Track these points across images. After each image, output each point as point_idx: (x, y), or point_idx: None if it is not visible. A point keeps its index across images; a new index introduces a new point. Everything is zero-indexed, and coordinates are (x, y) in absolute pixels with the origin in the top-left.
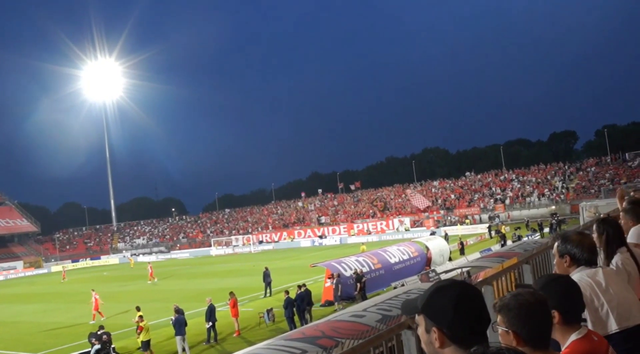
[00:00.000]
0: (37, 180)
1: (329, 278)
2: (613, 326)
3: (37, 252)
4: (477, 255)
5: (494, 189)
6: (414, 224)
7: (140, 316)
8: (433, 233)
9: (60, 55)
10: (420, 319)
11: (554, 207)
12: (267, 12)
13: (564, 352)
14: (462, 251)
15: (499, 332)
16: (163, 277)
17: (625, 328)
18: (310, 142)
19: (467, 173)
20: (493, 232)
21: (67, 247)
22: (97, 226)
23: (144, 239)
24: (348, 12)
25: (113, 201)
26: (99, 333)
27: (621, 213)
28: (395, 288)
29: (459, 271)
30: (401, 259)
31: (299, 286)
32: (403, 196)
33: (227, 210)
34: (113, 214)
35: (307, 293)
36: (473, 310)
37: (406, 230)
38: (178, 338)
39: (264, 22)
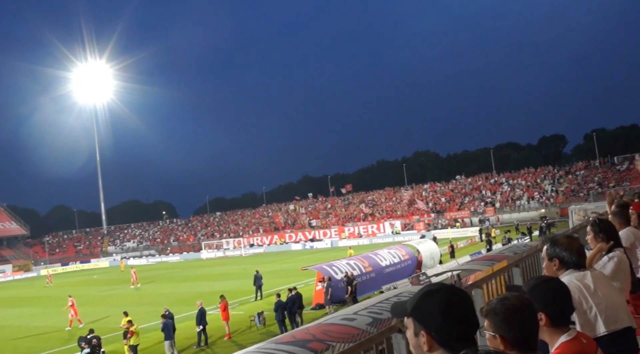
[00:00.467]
0: (27, 183)
1: (320, 281)
2: (601, 329)
3: (26, 256)
4: (467, 258)
5: (484, 192)
6: (405, 227)
7: (130, 321)
8: (423, 237)
9: (51, 58)
10: (409, 322)
11: (543, 210)
12: (258, 14)
13: (553, 353)
14: (452, 254)
15: (487, 336)
16: (153, 280)
17: (614, 330)
18: (301, 145)
19: (458, 176)
20: (484, 235)
21: (57, 250)
22: (87, 229)
23: (134, 242)
24: (341, 16)
25: (103, 204)
26: (88, 336)
27: (610, 216)
28: (381, 292)
29: (449, 274)
30: (392, 262)
31: (290, 289)
32: (394, 199)
33: (218, 213)
34: (103, 217)
35: (298, 296)
36: (461, 314)
37: (397, 233)
38: (166, 342)
39: (255, 24)
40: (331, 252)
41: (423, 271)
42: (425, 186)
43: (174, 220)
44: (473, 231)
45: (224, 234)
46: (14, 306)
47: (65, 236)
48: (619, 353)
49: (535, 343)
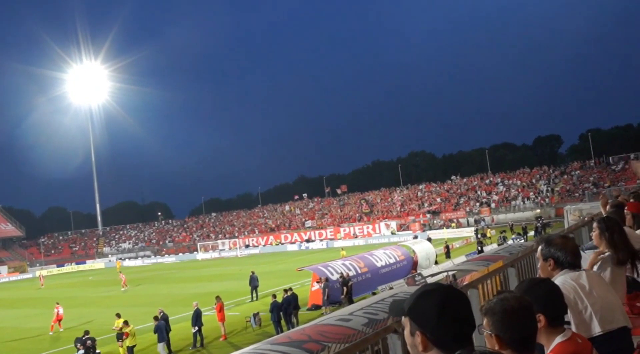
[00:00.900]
0: (22, 184)
1: (317, 282)
2: (596, 329)
3: (21, 257)
4: (462, 258)
5: (479, 192)
6: (400, 227)
7: (126, 322)
8: (415, 237)
9: (46, 59)
10: (405, 321)
11: (538, 210)
12: (253, 15)
13: None
14: (447, 255)
15: (484, 334)
16: (149, 282)
17: (609, 330)
18: (296, 146)
19: (453, 177)
20: (479, 235)
21: (52, 251)
22: (83, 231)
23: (129, 243)
24: (335, 15)
25: (99, 205)
26: (84, 338)
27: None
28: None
29: (445, 274)
30: (387, 263)
31: (286, 290)
32: (389, 199)
33: (213, 214)
34: (99, 218)
35: (294, 297)
36: (457, 316)
37: (392, 234)
38: (160, 344)
39: (250, 25)
40: (327, 253)
41: (419, 271)
42: (421, 187)
43: (170, 221)
44: (468, 232)
45: (220, 235)
46: (9, 308)
47: (61, 237)
48: (615, 353)
49: (533, 344)
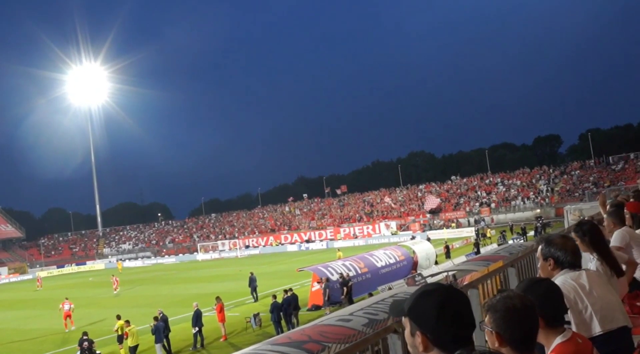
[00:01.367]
0: (22, 185)
1: (317, 282)
2: (597, 329)
3: (21, 258)
4: (462, 258)
5: (479, 192)
6: (401, 228)
7: (127, 321)
8: (413, 238)
9: (46, 60)
10: (406, 321)
11: (538, 210)
12: (251, 15)
13: None
14: (447, 255)
15: (485, 331)
16: (149, 282)
17: (609, 330)
18: (296, 146)
19: (453, 177)
20: (480, 236)
21: (52, 252)
22: (83, 232)
23: (129, 244)
24: (333, 15)
25: (98, 206)
26: (83, 338)
27: (605, 216)
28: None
29: (445, 274)
30: (387, 263)
31: (286, 291)
32: (387, 200)
33: (213, 215)
34: (98, 219)
35: (294, 298)
36: (457, 316)
37: (393, 234)
38: (157, 345)
39: (247, 25)
40: (327, 254)
41: (419, 271)
42: (421, 187)
43: (169, 222)
44: (468, 232)
45: (220, 236)
46: (9, 309)
47: (61, 239)
48: (615, 353)
49: (533, 344)
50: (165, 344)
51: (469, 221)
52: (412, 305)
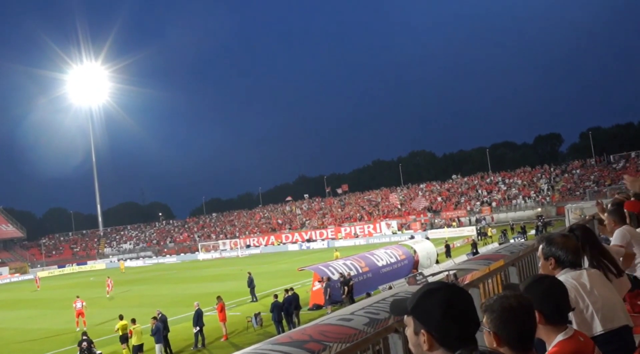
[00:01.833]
0: (23, 185)
1: (318, 282)
2: (598, 328)
3: (22, 258)
4: (463, 257)
5: (480, 191)
6: (401, 227)
7: (133, 319)
8: (412, 237)
9: (46, 59)
10: (409, 320)
11: (539, 209)
12: (252, 14)
13: (550, 352)
14: (447, 254)
15: (484, 331)
16: (150, 282)
17: (610, 329)
18: (297, 145)
19: (454, 176)
20: (479, 235)
21: (54, 252)
22: (84, 231)
23: (130, 244)
24: (334, 14)
25: (99, 206)
26: (82, 338)
27: (606, 214)
28: (368, 295)
29: (445, 273)
30: (388, 262)
31: (287, 290)
32: (392, 199)
33: (214, 214)
34: (100, 219)
35: (295, 297)
36: (462, 314)
37: (393, 233)
38: (157, 346)
39: (247, 25)
40: (327, 253)
41: (420, 270)
42: (422, 186)
43: (170, 221)
44: (469, 231)
45: (221, 235)
46: (11, 309)
47: (62, 238)
48: (616, 352)
49: (531, 343)
50: (165, 344)
51: (470, 220)
52: (417, 303)
